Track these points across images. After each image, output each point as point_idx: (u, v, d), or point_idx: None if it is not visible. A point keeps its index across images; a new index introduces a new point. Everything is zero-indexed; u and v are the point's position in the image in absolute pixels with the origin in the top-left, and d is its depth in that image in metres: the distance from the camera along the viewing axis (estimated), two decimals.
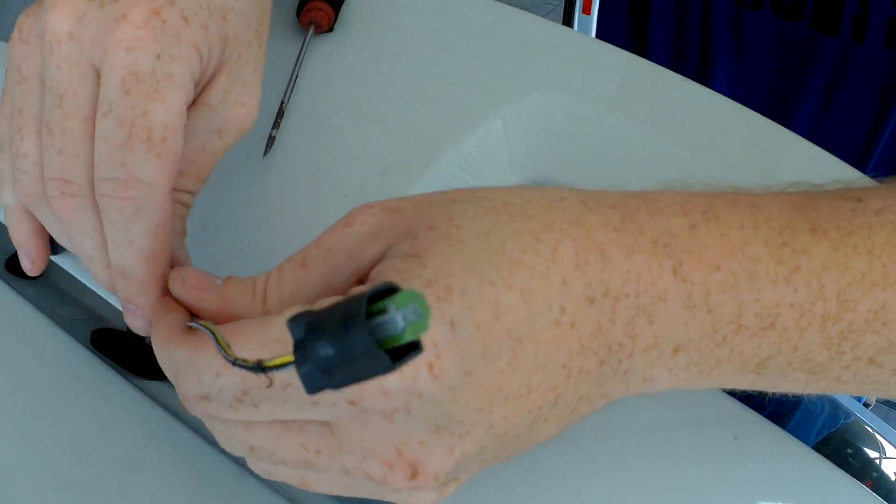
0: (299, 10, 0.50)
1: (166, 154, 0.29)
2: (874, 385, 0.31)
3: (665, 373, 0.29)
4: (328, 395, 0.24)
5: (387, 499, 0.26)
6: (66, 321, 0.40)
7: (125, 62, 0.28)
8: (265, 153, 0.44)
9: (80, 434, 0.36)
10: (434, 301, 0.24)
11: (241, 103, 0.33)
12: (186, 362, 0.26)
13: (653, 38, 0.74)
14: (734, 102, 0.46)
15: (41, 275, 0.36)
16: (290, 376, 0.24)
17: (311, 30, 0.49)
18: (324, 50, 0.50)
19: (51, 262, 0.36)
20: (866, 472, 0.61)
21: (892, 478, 0.60)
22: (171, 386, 0.40)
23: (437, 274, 0.24)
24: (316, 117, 0.47)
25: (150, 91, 0.29)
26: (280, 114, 0.45)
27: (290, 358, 0.20)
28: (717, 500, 0.32)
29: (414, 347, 0.19)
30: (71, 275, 0.38)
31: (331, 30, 0.51)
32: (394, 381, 0.23)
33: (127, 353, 0.40)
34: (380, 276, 0.25)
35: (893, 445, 0.62)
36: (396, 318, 0.19)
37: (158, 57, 0.29)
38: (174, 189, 0.31)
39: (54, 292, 0.44)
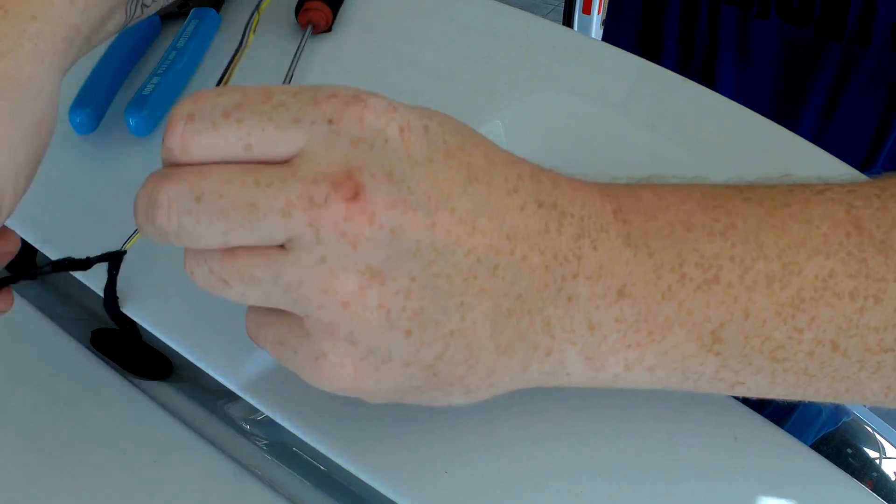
0: (297, 10, 0.50)
1: None
2: (846, 384, 0.30)
3: (612, 323, 0.29)
4: (311, 114, 0.26)
5: (305, 267, 0.26)
6: (66, 321, 0.40)
7: None
8: None
9: (80, 434, 0.36)
10: (417, 110, 0.27)
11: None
12: (193, 92, 0.27)
13: (664, 45, 0.74)
14: (737, 104, 0.46)
15: (41, 275, 0.36)
16: (284, 97, 0.26)
17: (309, 30, 0.49)
18: (322, 50, 0.50)
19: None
20: (866, 472, 0.61)
21: (892, 478, 0.60)
22: (172, 386, 0.40)
23: (421, 108, 0.28)
24: None
25: None
26: None
27: None
28: (717, 499, 0.32)
29: None
30: (71, 275, 0.38)
31: (329, 30, 0.51)
32: (370, 117, 0.26)
33: (127, 353, 0.40)
34: None
35: (893, 445, 0.62)
36: None
37: None
38: None
39: (54, 292, 0.44)
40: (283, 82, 0.47)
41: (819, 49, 0.64)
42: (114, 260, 0.36)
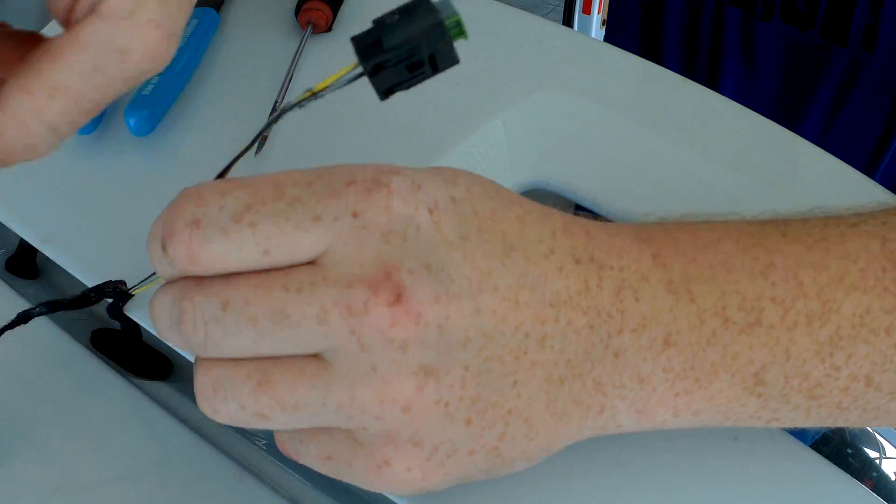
0: (297, 10, 0.50)
1: None
2: (875, 413, 0.30)
3: (660, 374, 0.28)
4: (333, 208, 0.24)
5: (357, 378, 0.24)
6: (66, 321, 0.40)
7: None
8: (257, 152, 0.44)
9: (80, 434, 0.36)
10: (440, 180, 0.26)
11: (157, 24, 0.26)
12: (190, 190, 0.25)
13: (665, 48, 0.74)
14: (740, 106, 0.46)
15: (41, 275, 0.36)
16: (298, 191, 0.24)
17: (309, 29, 0.49)
18: (322, 50, 0.50)
19: (51, 261, 0.36)
20: (866, 472, 0.61)
21: (892, 478, 0.60)
22: (171, 386, 0.40)
23: (443, 170, 0.27)
24: (312, 117, 0.47)
25: None
26: (276, 113, 0.45)
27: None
28: (717, 499, 0.32)
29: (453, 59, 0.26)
30: (71, 275, 0.38)
31: (329, 30, 0.51)
32: (397, 203, 0.24)
33: (127, 353, 0.40)
34: None
35: (893, 445, 0.62)
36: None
37: None
38: (33, 109, 0.25)
39: (54, 292, 0.44)
40: (284, 83, 0.47)
41: (823, 53, 0.64)
42: (121, 300, 0.36)
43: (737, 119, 0.46)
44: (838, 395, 0.29)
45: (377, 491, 0.27)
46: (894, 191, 0.42)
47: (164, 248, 0.25)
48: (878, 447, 0.62)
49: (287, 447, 0.28)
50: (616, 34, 0.79)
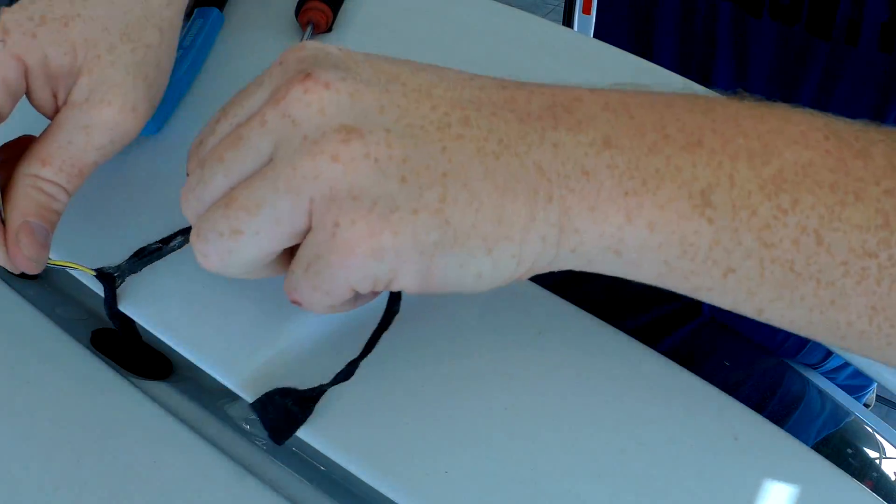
0: (298, 10, 0.50)
1: None
2: (831, 293, 0.30)
3: (605, 170, 0.29)
4: (266, 94, 0.29)
5: (293, 151, 0.28)
6: (66, 321, 0.40)
7: None
8: None
9: (80, 434, 0.36)
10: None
11: (108, 102, 0.36)
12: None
13: (657, 46, 0.74)
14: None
15: (41, 275, 0.36)
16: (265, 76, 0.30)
17: (310, 30, 0.49)
18: None
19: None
20: (866, 472, 0.61)
21: (892, 478, 0.60)
22: (171, 386, 0.40)
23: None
24: None
25: None
26: None
27: None
28: (717, 499, 0.32)
29: None
30: (71, 275, 0.38)
31: (329, 30, 0.51)
32: (309, 46, 0.30)
33: (127, 353, 0.40)
34: None
35: (893, 445, 0.62)
36: None
37: None
38: (33, 174, 0.35)
39: (54, 292, 0.44)
40: None
41: (809, 48, 0.64)
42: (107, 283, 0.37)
43: None
44: (790, 247, 0.29)
45: (342, 271, 0.28)
46: None
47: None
48: (878, 447, 0.62)
49: (292, 292, 0.30)
50: (606, 29, 0.79)
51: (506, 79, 0.32)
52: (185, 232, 0.38)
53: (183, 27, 0.48)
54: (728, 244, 0.30)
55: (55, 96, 0.37)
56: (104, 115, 0.36)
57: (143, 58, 0.37)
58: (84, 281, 0.38)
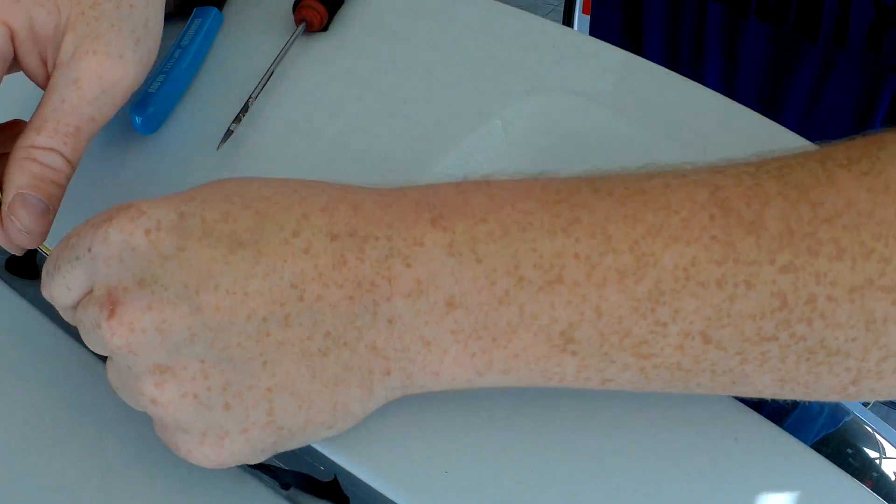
0: (294, 8, 0.50)
1: None
2: (731, 377, 0.28)
3: (448, 337, 0.27)
4: (79, 245, 0.28)
5: (96, 346, 0.29)
6: (65, 321, 0.40)
7: None
8: (219, 146, 0.43)
9: (80, 434, 0.36)
10: (175, 200, 0.28)
11: (94, 51, 0.35)
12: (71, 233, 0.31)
13: (646, 42, 0.74)
14: (735, 102, 0.46)
15: (41, 275, 0.36)
16: (75, 238, 0.29)
17: (300, 28, 0.49)
18: (315, 49, 0.50)
19: None
20: (866, 472, 0.61)
21: (892, 478, 0.60)
22: None
23: (192, 190, 0.28)
24: (298, 116, 0.46)
25: None
26: (244, 108, 0.45)
27: None
28: (717, 500, 0.32)
29: None
30: None
31: (325, 29, 0.50)
32: (113, 233, 0.27)
33: None
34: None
35: (893, 445, 0.62)
36: None
37: None
38: (28, 146, 0.34)
39: None
40: (262, 79, 0.47)
41: (797, 49, 0.64)
42: None
43: (734, 117, 0.46)
44: (673, 353, 0.27)
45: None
46: None
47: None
48: (878, 447, 0.62)
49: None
50: (598, 27, 0.80)
51: (346, 200, 0.28)
52: None
53: (182, 26, 0.48)
54: (599, 365, 0.28)
55: (44, 63, 0.36)
56: (91, 65, 0.35)
57: (129, 15, 0.37)
58: None
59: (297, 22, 0.50)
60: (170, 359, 0.27)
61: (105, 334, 0.27)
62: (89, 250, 0.28)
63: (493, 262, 0.26)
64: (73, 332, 0.40)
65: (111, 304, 0.27)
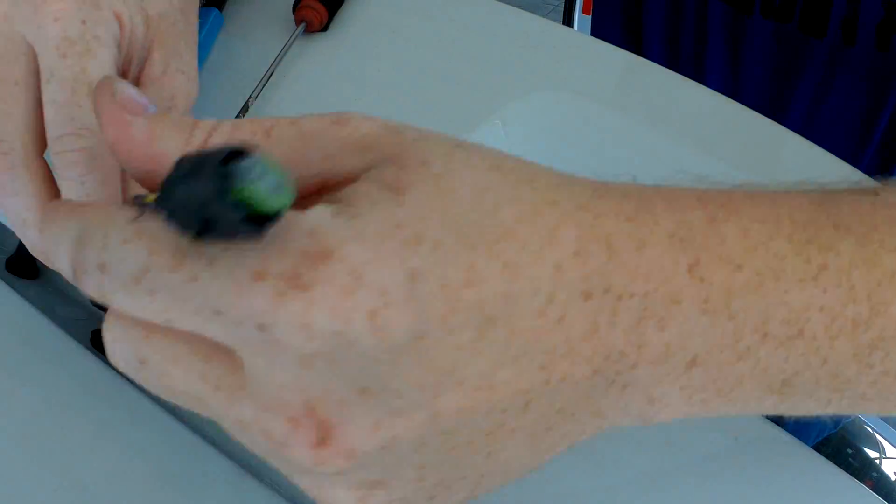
0: (295, 8, 0.50)
1: None
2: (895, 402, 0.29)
3: (676, 392, 0.25)
4: (234, 309, 0.19)
5: (290, 474, 0.22)
6: (66, 321, 0.40)
7: (56, 31, 0.32)
8: None
9: (80, 434, 0.36)
10: (397, 246, 0.20)
11: (182, 71, 0.36)
12: (97, 223, 0.22)
13: (647, 43, 0.74)
14: (734, 102, 0.46)
15: (41, 275, 0.36)
16: (198, 268, 0.20)
17: (300, 28, 0.49)
18: (315, 50, 0.50)
19: None
20: (866, 472, 0.61)
21: (892, 478, 0.60)
22: None
23: (411, 217, 0.20)
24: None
25: (82, 51, 0.32)
26: (244, 109, 0.45)
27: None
28: (717, 500, 0.32)
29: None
30: None
31: (325, 30, 0.51)
32: (320, 317, 0.18)
33: None
34: (349, 199, 0.21)
35: (893, 445, 0.62)
36: (252, 172, 0.17)
37: (83, 22, 0.33)
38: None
39: (54, 292, 0.44)
40: (262, 79, 0.47)
41: (804, 47, 0.64)
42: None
43: (734, 116, 0.46)
44: (865, 388, 0.27)
45: None
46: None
47: (74, 274, 0.22)
48: (878, 447, 0.62)
49: None
50: (599, 26, 0.79)
51: (596, 238, 0.22)
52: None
53: None
54: (796, 402, 0.27)
55: (117, 66, 0.35)
56: (183, 86, 0.36)
57: (194, 32, 0.38)
58: None
59: (297, 22, 0.50)
60: (386, 472, 0.22)
61: (305, 461, 0.20)
62: (261, 329, 0.19)
63: (744, 319, 0.24)
64: (73, 333, 0.40)
65: (323, 431, 0.20)
